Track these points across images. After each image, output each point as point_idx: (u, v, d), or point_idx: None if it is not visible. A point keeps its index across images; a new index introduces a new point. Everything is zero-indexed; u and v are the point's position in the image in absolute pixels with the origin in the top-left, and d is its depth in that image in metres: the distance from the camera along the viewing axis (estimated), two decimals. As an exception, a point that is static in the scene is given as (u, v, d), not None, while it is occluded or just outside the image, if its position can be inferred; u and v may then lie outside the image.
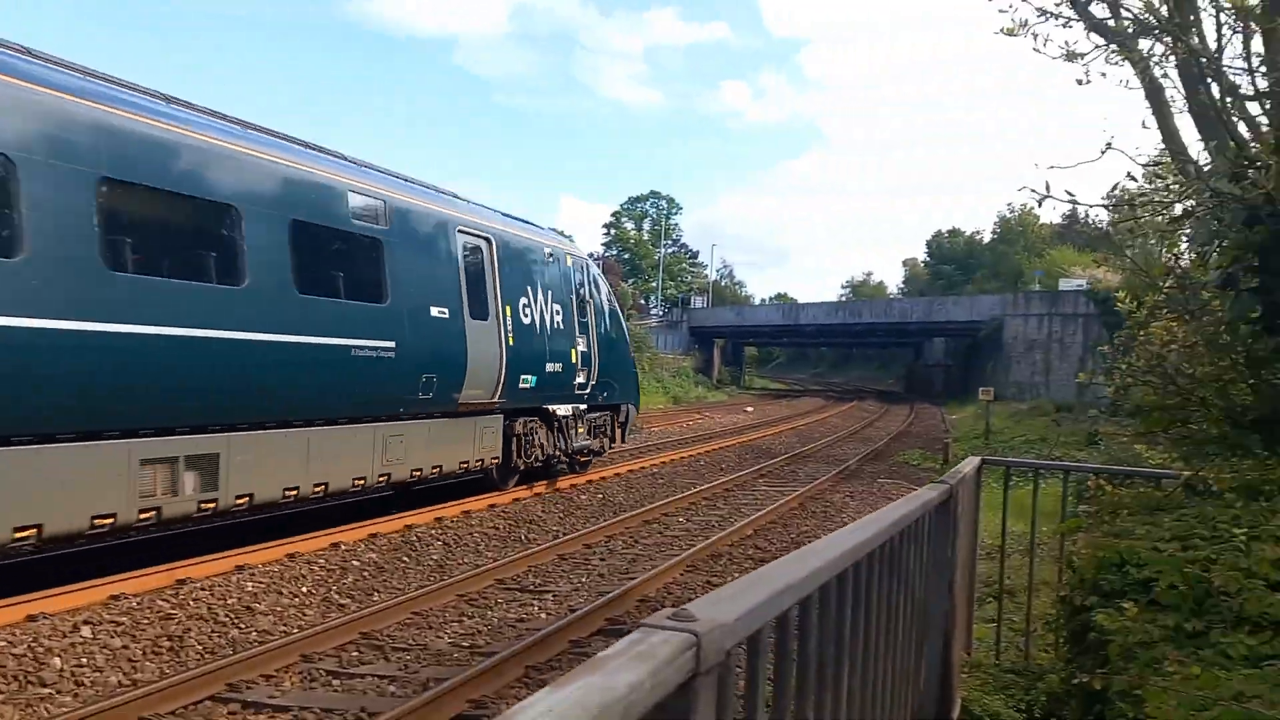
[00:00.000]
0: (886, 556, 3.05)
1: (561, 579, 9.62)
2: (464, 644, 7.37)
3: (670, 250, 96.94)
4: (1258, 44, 6.76)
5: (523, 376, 13.80)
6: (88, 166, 7.75)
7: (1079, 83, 6.79)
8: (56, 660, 6.47)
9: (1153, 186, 8.57)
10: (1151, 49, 7.09)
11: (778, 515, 13.50)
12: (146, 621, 7.41)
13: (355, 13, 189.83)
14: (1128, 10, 7.26)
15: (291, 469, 9.79)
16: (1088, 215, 66.79)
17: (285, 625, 7.78)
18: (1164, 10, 6.94)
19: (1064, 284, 52.07)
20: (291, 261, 9.74)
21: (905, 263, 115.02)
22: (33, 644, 6.63)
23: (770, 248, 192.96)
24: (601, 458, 17.69)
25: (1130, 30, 6.89)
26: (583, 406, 16.03)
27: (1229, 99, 6.83)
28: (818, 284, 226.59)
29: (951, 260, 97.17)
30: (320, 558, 9.71)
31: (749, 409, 43.65)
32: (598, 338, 16.56)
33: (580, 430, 15.95)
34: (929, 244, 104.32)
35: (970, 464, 5.73)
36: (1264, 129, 6.79)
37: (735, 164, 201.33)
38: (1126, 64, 6.88)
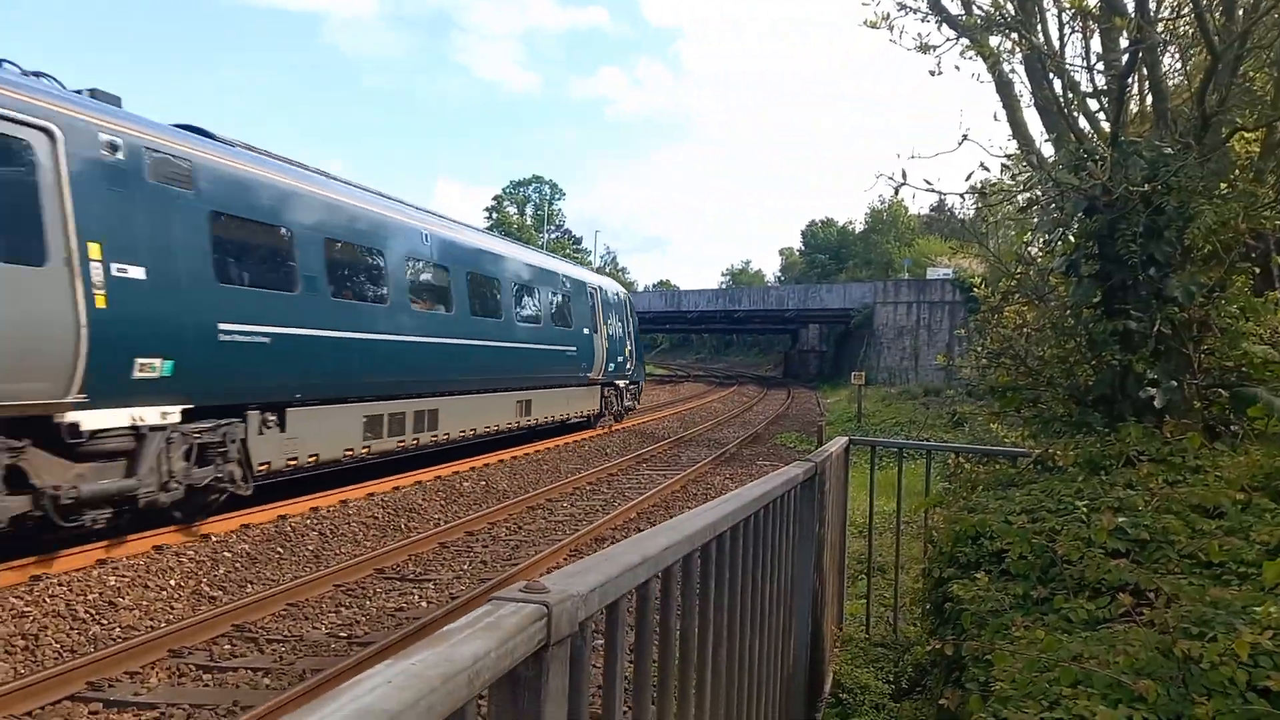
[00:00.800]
0: (750, 531, 3.15)
1: (443, 567, 9.55)
2: (342, 634, 7.26)
3: (554, 235, 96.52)
4: (1097, 44, 7.24)
5: (609, 364, 24.76)
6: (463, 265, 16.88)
7: (931, 74, 7.13)
8: (-104, 665, 6.10)
9: (1003, 177, 9.07)
10: (1000, 45, 7.49)
11: (660, 499, 13.69)
12: (-2, 621, 7.04)
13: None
14: (978, 6, 7.64)
15: (547, 408, 20.74)
16: (950, 206, 69.73)
17: (152, 620, 7.50)
18: (1010, 7, 7.35)
19: (931, 272, 54.21)
20: (553, 309, 21.02)
21: (782, 251, 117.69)
22: None
23: (652, 235, 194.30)
24: (633, 411, 28.92)
25: (980, 25, 7.26)
26: (627, 381, 27.23)
27: (1070, 94, 7.27)
28: (699, 271, 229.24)
29: (825, 249, 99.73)
30: (189, 549, 9.38)
31: (632, 395, 43.91)
32: (632, 340, 27.60)
33: (626, 396, 27.58)
34: (804, 233, 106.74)
35: (837, 444, 5.96)
36: (1102, 123, 7.26)
37: (616, 150, 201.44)
38: (979, 58, 7.25)
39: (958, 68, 7.71)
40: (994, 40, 7.68)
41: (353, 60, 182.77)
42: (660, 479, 15.59)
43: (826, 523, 5.18)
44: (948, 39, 7.64)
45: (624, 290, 28.15)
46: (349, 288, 12.93)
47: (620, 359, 25.61)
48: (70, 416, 8.43)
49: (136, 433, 9.22)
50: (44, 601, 7.56)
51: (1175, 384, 5.58)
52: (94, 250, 8.54)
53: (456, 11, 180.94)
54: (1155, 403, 5.49)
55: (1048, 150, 8.44)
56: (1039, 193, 7.37)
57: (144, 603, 7.88)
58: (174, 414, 9.66)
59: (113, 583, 8.22)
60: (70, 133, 8.45)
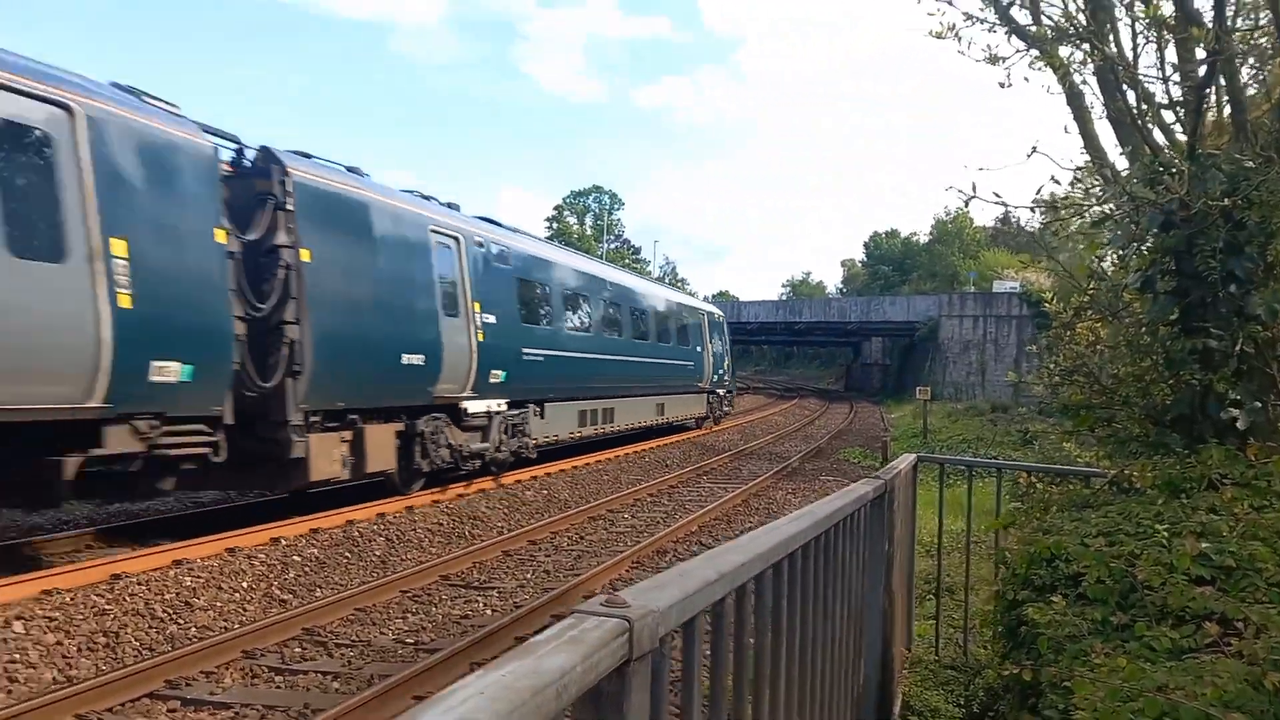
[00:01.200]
0: (821, 549, 3.13)
1: (507, 575, 9.63)
2: (408, 640, 7.37)
3: (613, 245, 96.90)
4: (1172, 54, 7.05)
5: (714, 374, 30.27)
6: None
7: (1001, 86, 7.01)
8: (-14, 658, 6.34)
9: (1074, 190, 8.86)
10: (1070, 55, 7.32)
11: (721, 512, 13.65)
12: (81, 617, 7.27)
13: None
14: (1048, 16, 7.49)
15: (674, 409, 26.10)
16: (1018, 219, 68.34)
17: (226, 621, 7.69)
18: (1081, 18, 7.19)
19: (997, 285, 53.27)
20: (678, 331, 26.59)
21: (844, 263, 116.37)
22: (-39, 642, 6.48)
23: (711, 245, 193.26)
24: (730, 413, 34.94)
25: (1050, 36, 7.11)
26: (725, 390, 33.05)
27: (1145, 106, 7.09)
28: (758, 283, 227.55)
29: (889, 261, 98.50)
30: (260, 553, 9.59)
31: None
32: (728, 355, 33.77)
33: (725, 402, 33.05)
34: (867, 245, 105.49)
35: (906, 461, 5.90)
36: (1178, 135, 7.07)
37: (675, 159, 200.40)
38: (1048, 69, 7.10)
39: (1026, 79, 7.58)
40: (1064, 51, 7.53)
41: (419, 69, 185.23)
42: (721, 492, 15.54)
43: (895, 541, 5.13)
44: (1017, 50, 7.51)
45: (721, 313, 34.64)
46: (573, 322, 19.07)
47: (721, 371, 31.74)
48: (464, 404, 13.97)
49: (488, 415, 14.80)
50: (124, 600, 7.78)
51: (1259, 405, 5.41)
52: (476, 306, 14.32)
53: (520, 21, 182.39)
54: (1238, 424, 5.33)
55: (1121, 163, 8.25)
56: (1113, 207, 7.21)
57: (218, 604, 8.09)
58: (503, 405, 15.29)
59: (188, 583, 8.44)
60: (465, 238, 14.31)
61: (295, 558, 9.65)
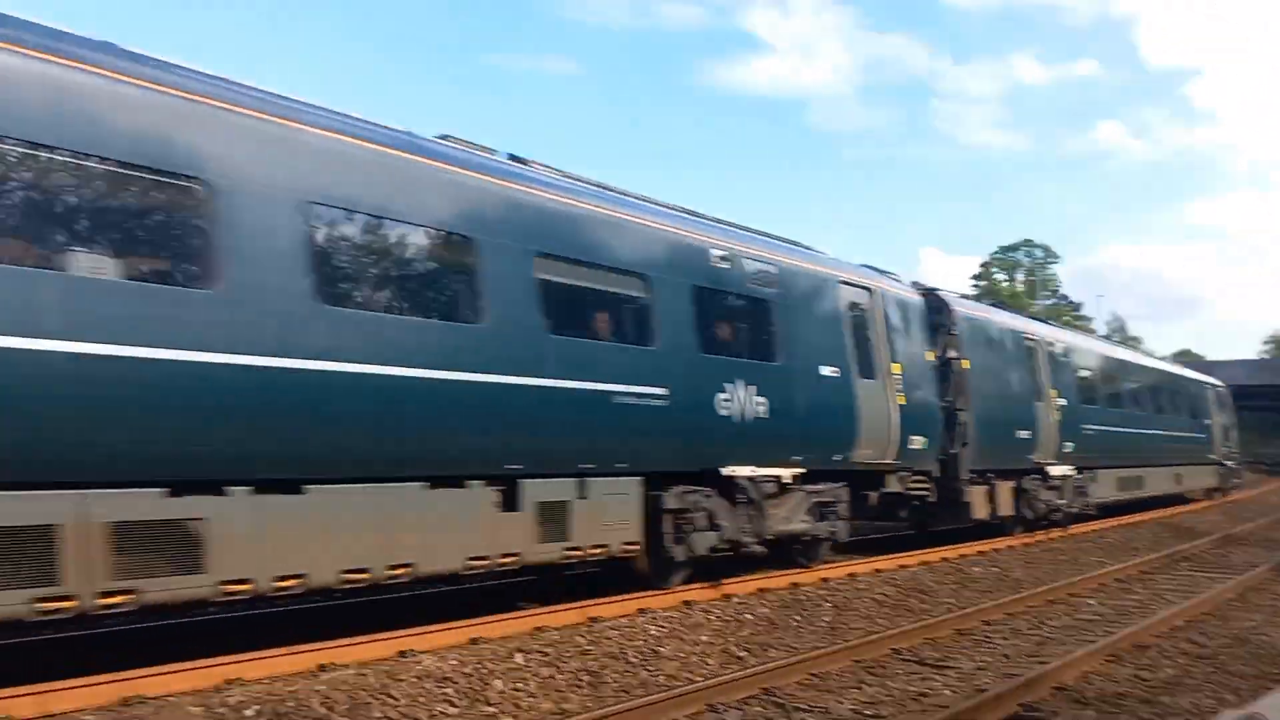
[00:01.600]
0: None
1: (962, 655, 9.03)
2: (867, 712, 7.11)
3: (1049, 302, 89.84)
4: None
5: (1222, 447, 32.03)
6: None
7: None
8: (498, 683, 7.12)
9: None
10: None
11: (1213, 607, 11.73)
12: (567, 654, 7.96)
13: (707, 81, 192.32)
14: None
15: (1186, 480, 28.07)
16: None
17: (689, 672, 7.99)
18: None
19: None
20: (1188, 406, 29.50)
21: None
22: (478, 665, 7.36)
23: (1168, 299, 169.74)
24: (1240, 485, 35.31)
25: None
26: (1233, 463, 33.75)
27: None
28: (1231, 340, 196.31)
29: None
30: (715, 607, 9.94)
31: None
32: (1234, 427, 34.77)
33: (1235, 474, 33.98)
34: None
35: None
36: None
37: (1118, 208, 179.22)
38: None
39: None
40: None
41: (834, 139, 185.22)
42: (1207, 583, 13.45)
43: None
44: None
45: (1225, 386, 35.44)
46: (1113, 401, 22.68)
47: (1228, 444, 33.31)
48: (1049, 468, 17.97)
49: (1063, 477, 18.59)
50: (601, 642, 8.42)
51: None
52: (1054, 393, 18.65)
53: (933, 79, 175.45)
54: None
55: None
56: None
57: (680, 654, 8.45)
58: (1073, 470, 18.94)
59: (653, 631, 8.94)
60: (1041, 341, 18.93)
61: (747, 615, 9.86)
